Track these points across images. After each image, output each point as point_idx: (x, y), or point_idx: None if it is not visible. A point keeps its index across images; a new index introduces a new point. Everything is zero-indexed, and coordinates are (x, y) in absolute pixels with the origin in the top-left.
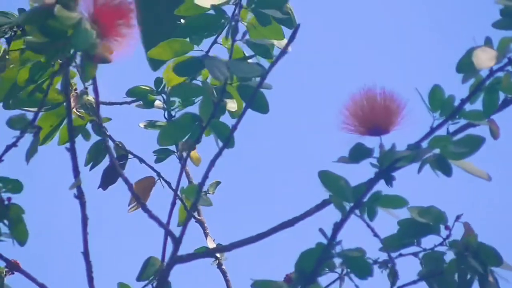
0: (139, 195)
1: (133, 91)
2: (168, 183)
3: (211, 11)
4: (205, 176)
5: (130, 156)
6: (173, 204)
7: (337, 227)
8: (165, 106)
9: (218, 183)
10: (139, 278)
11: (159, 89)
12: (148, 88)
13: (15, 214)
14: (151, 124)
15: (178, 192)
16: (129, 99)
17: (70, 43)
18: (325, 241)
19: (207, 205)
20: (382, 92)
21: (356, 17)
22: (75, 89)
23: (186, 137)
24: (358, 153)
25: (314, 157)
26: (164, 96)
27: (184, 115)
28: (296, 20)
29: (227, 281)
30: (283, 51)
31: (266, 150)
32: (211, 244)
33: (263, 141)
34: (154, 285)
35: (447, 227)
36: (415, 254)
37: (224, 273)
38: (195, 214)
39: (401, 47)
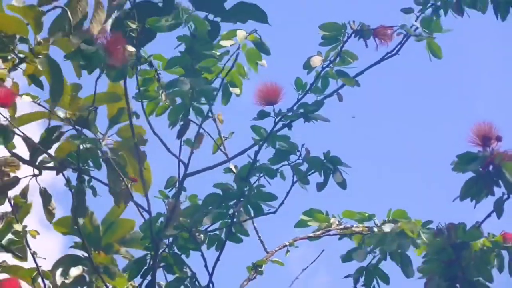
0: None
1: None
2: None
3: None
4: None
5: None
6: None
7: (257, 152)
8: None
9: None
10: (165, 187)
11: None
12: None
13: None
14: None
15: None
16: None
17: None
18: (251, 160)
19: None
20: (271, 83)
21: None
22: None
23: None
24: (262, 114)
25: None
26: None
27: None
28: None
29: None
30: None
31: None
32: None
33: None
34: (176, 188)
35: (298, 151)
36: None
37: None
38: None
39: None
